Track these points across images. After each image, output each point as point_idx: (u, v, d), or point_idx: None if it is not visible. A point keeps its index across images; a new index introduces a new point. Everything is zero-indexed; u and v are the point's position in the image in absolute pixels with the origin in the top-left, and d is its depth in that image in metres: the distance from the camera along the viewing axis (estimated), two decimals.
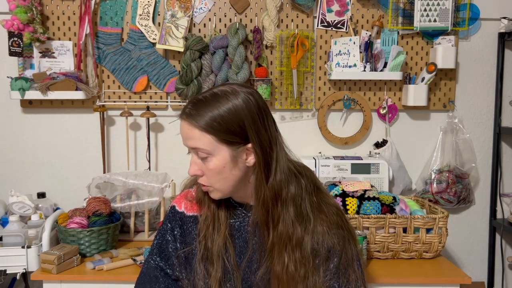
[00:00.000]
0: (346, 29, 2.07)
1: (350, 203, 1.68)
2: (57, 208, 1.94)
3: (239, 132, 0.99)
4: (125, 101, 2.07)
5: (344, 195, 1.70)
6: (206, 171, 1.02)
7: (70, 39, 2.04)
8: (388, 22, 2.05)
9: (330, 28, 2.07)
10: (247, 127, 0.99)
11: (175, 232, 1.14)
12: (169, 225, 1.16)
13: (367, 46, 2.01)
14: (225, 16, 2.05)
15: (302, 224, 1.05)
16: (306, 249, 1.04)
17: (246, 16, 2.05)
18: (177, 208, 1.16)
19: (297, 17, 2.06)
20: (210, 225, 1.09)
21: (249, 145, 1.00)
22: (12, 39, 1.91)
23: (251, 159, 1.02)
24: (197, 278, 1.09)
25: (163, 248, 1.15)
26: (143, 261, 1.61)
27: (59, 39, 2.04)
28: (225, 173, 1.01)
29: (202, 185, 1.06)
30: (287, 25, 2.06)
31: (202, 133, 0.98)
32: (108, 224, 1.74)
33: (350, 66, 2.02)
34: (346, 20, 2.06)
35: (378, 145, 2.12)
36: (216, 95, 1.00)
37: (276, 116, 2.12)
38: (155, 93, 2.08)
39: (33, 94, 1.94)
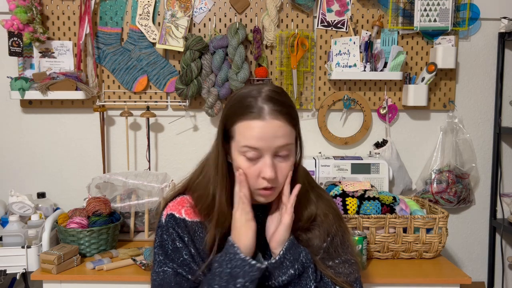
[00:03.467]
0: (346, 29, 2.07)
1: (350, 203, 1.68)
2: (57, 208, 1.94)
3: (297, 122, 1.04)
4: (125, 101, 2.07)
5: (344, 195, 1.70)
6: (282, 170, 1.02)
7: (70, 39, 2.04)
8: (388, 22, 2.05)
9: (330, 28, 2.07)
10: (296, 119, 1.04)
11: (186, 239, 1.07)
12: (175, 232, 1.07)
13: (367, 46, 2.01)
14: (225, 16, 2.05)
15: (322, 216, 1.14)
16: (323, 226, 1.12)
17: (246, 16, 2.05)
18: (176, 215, 1.09)
19: (297, 17, 2.06)
20: (220, 230, 1.08)
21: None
22: (12, 39, 1.91)
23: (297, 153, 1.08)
24: None
25: (176, 256, 1.07)
26: (143, 261, 1.61)
27: (59, 39, 2.04)
28: (288, 170, 1.03)
29: (264, 189, 1.02)
30: (287, 25, 2.06)
31: (291, 128, 1.00)
32: (108, 224, 1.74)
33: (350, 66, 2.02)
34: (346, 20, 2.06)
35: (378, 145, 2.12)
36: (280, 90, 1.03)
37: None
38: (155, 93, 2.07)
39: (33, 94, 1.94)
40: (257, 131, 0.97)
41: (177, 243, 1.07)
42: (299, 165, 1.09)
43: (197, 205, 1.09)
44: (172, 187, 1.98)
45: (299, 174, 1.09)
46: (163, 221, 1.10)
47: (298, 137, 1.05)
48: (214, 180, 1.05)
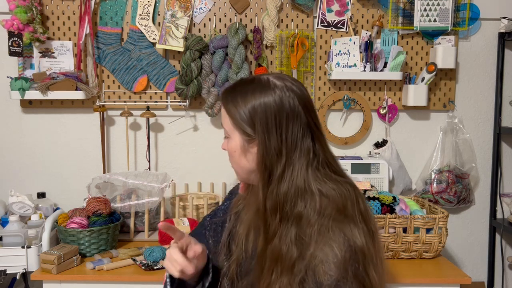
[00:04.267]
0: (346, 29, 2.07)
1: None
2: (57, 208, 1.94)
3: (250, 125, 0.95)
4: (125, 101, 2.07)
5: None
6: (227, 149, 1.03)
7: (70, 39, 2.04)
8: (388, 22, 2.05)
9: (330, 28, 2.07)
10: (256, 123, 0.94)
11: (229, 206, 1.17)
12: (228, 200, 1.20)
13: (367, 46, 2.01)
14: (225, 16, 2.05)
15: (299, 248, 0.89)
16: (295, 277, 0.87)
17: (246, 16, 2.05)
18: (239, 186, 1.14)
19: (297, 17, 2.06)
20: (240, 206, 1.11)
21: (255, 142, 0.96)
22: (12, 39, 1.91)
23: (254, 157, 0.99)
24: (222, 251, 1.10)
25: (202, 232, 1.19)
26: (143, 261, 1.62)
27: (59, 39, 2.04)
28: (236, 158, 1.00)
29: None
30: (287, 25, 2.06)
31: (225, 114, 0.99)
32: (108, 224, 1.74)
33: (350, 66, 2.02)
34: (346, 20, 2.06)
35: (378, 145, 2.12)
36: (253, 80, 0.99)
37: None
38: (155, 93, 2.07)
39: (33, 94, 1.94)
40: None
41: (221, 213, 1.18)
42: (272, 190, 0.93)
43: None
44: (172, 187, 1.98)
45: (260, 200, 0.95)
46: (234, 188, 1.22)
47: (243, 136, 0.97)
48: None
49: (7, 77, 1.98)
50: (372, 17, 2.07)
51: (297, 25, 2.06)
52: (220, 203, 1.93)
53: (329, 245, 0.87)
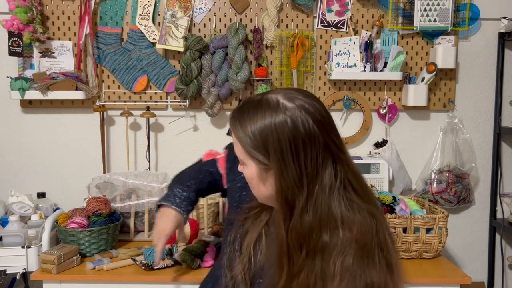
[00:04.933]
0: (346, 29, 2.07)
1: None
2: (57, 208, 1.94)
3: (264, 153, 0.87)
4: (125, 101, 2.07)
5: None
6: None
7: (70, 39, 2.04)
8: (388, 22, 2.05)
9: (330, 28, 2.07)
10: (270, 152, 0.86)
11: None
12: None
13: (367, 46, 2.01)
14: (225, 16, 2.05)
15: (325, 281, 0.84)
16: None
17: (246, 16, 2.05)
18: None
19: (297, 17, 2.06)
20: (249, 221, 1.06)
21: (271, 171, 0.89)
22: (12, 39, 1.91)
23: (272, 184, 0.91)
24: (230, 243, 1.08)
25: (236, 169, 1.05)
26: (143, 261, 1.61)
27: (59, 39, 2.04)
28: (254, 185, 0.94)
29: None
30: (287, 25, 2.06)
31: (237, 141, 0.92)
32: (108, 224, 1.74)
33: (350, 66, 2.02)
34: (346, 20, 2.06)
35: (378, 145, 2.12)
36: (261, 102, 0.89)
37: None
38: (155, 93, 2.08)
39: (33, 94, 1.94)
40: None
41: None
42: (294, 223, 0.87)
43: None
44: None
45: (283, 235, 0.88)
46: None
47: (259, 165, 0.89)
48: None
49: (7, 77, 1.98)
50: (372, 17, 2.07)
51: (297, 25, 2.06)
52: (220, 203, 1.93)
53: (351, 282, 0.83)
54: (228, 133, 2.10)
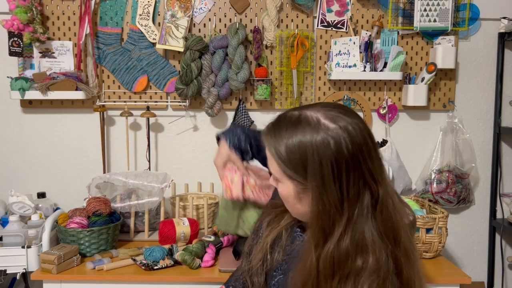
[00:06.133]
0: (346, 29, 2.07)
1: None
2: (57, 208, 1.94)
3: (303, 173, 0.83)
4: (125, 101, 2.07)
5: None
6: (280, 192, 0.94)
7: (70, 39, 2.04)
8: (388, 22, 2.05)
9: (330, 28, 2.07)
10: (309, 173, 0.82)
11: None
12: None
13: (367, 46, 2.01)
14: (225, 16, 2.05)
15: None
16: None
17: (246, 16, 2.05)
18: None
19: (297, 17, 2.06)
20: (272, 214, 1.04)
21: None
22: (12, 39, 1.91)
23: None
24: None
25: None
26: (143, 261, 1.62)
27: (59, 39, 2.04)
28: (290, 203, 0.92)
29: None
30: (287, 25, 2.06)
31: (272, 158, 0.88)
32: (108, 224, 1.74)
33: (350, 66, 2.02)
34: (346, 20, 2.06)
35: (378, 145, 2.12)
36: (299, 120, 0.85)
37: (276, 116, 2.11)
38: (155, 93, 2.08)
39: (33, 94, 1.94)
40: None
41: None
42: (329, 249, 0.83)
43: None
44: (172, 187, 1.98)
45: (313, 261, 0.84)
46: None
47: (296, 183, 0.87)
48: None
49: (7, 77, 1.98)
50: (372, 17, 2.07)
51: (297, 25, 2.06)
52: (219, 203, 1.92)
53: None
54: None
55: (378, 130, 2.14)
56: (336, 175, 0.80)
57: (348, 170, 0.81)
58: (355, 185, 0.81)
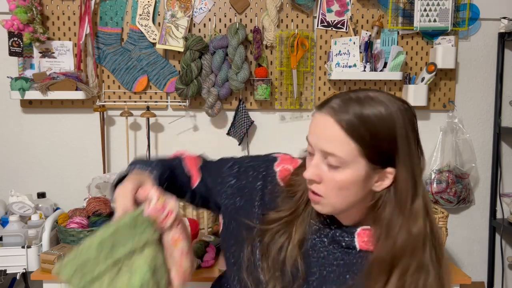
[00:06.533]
0: (346, 29, 2.07)
1: None
2: (57, 208, 1.94)
3: (386, 148, 0.81)
4: (125, 101, 2.07)
5: None
6: (328, 180, 0.83)
7: (70, 39, 2.04)
8: (388, 22, 2.05)
9: (330, 28, 2.07)
10: (399, 144, 0.81)
11: (258, 184, 0.97)
12: (260, 169, 0.99)
13: (367, 46, 2.01)
14: (225, 16, 2.05)
15: None
16: None
17: (246, 16, 2.05)
18: (275, 164, 1.00)
19: (297, 17, 2.06)
20: (282, 224, 0.93)
21: (389, 169, 0.82)
22: (12, 39, 1.91)
23: (384, 183, 0.84)
24: (243, 262, 0.93)
25: (220, 170, 0.99)
26: None
27: (59, 39, 2.04)
28: (349, 191, 0.83)
29: (312, 193, 0.87)
30: (287, 25, 2.06)
31: (347, 138, 0.80)
32: None
33: (350, 66, 2.02)
34: (346, 20, 2.06)
35: None
36: (370, 98, 0.82)
37: (276, 116, 2.12)
38: (155, 93, 2.08)
39: (33, 94, 1.94)
40: (312, 122, 0.85)
41: (252, 173, 1.00)
42: (392, 214, 0.83)
43: (291, 179, 0.97)
44: None
45: (387, 223, 0.84)
46: (269, 156, 1.03)
47: (384, 163, 0.82)
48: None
49: (7, 77, 1.98)
50: (372, 17, 2.07)
51: (297, 25, 2.06)
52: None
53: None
54: (228, 133, 2.10)
55: None
56: (416, 144, 0.84)
57: (419, 140, 0.85)
58: (419, 160, 0.85)
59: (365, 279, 0.85)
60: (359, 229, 0.90)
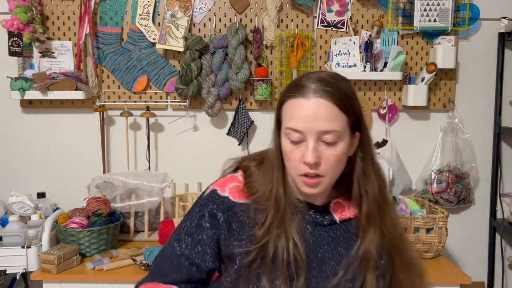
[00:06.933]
0: (346, 29, 2.07)
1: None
2: (57, 208, 1.94)
3: (357, 115, 0.93)
4: (125, 101, 2.07)
5: None
6: (327, 158, 0.90)
7: (70, 39, 2.04)
8: (388, 22, 2.05)
9: (330, 28, 2.07)
10: (360, 109, 0.95)
11: (218, 217, 0.98)
12: (207, 209, 0.99)
13: (367, 46, 2.01)
14: (225, 16, 2.05)
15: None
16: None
17: (246, 16, 2.05)
18: (219, 192, 1.00)
19: (297, 17, 2.06)
20: (276, 227, 0.94)
21: (357, 133, 0.95)
22: (12, 39, 1.91)
23: (354, 147, 0.96)
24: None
25: (194, 234, 0.99)
26: (143, 261, 1.61)
27: (59, 39, 2.04)
28: (342, 162, 0.94)
29: (312, 177, 0.92)
30: (287, 25, 2.06)
31: (340, 112, 0.89)
32: (108, 224, 1.74)
33: (350, 66, 2.02)
34: (346, 20, 2.06)
35: (378, 145, 2.12)
36: (337, 76, 0.94)
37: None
38: (155, 93, 2.07)
39: (33, 94, 1.94)
40: (299, 109, 0.90)
41: (204, 222, 0.99)
42: (365, 165, 0.97)
43: (250, 189, 0.99)
44: (172, 187, 1.98)
45: (362, 174, 0.96)
46: (204, 194, 1.03)
47: (355, 128, 0.94)
48: (272, 167, 0.98)
49: (7, 77, 1.98)
50: (372, 17, 2.07)
51: (297, 25, 2.06)
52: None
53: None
54: (228, 133, 2.10)
55: (378, 130, 2.14)
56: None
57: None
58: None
59: (361, 238, 0.96)
60: (331, 205, 1.01)
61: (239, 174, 1.03)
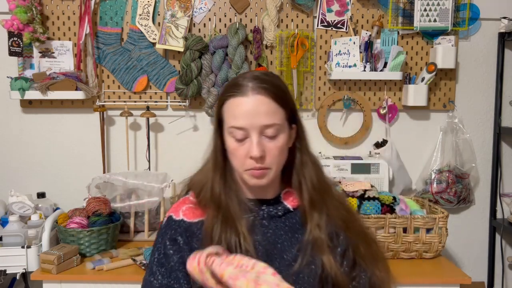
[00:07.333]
0: (346, 29, 2.07)
1: (350, 203, 1.68)
2: (57, 208, 1.94)
3: (292, 108, 1.00)
4: (125, 101, 2.07)
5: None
6: (271, 150, 0.96)
7: (70, 39, 2.04)
8: (388, 22, 2.05)
9: (330, 28, 2.07)
10: (295, 104, 1.03)
11: (179, 241, 1.01)
12: (167, 237, 1.02)
13: (367, 46, 2.01)
14: (225, 16, 2.05)
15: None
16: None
17: (246, 16, 2.05)
18: (174, 217, 1.04)
19: (297, 17, 2.06)
20: (220, 225, 0.98)
21: (293, 126, 1.01)
22: (12, 39, 1.91)
23: (292, 138, 1.02)
24: None
25: (164, 263, 1.01)
26: (143, 261, 1.61)
27: (59, 39, 2.04)
28: (283, 153, 1.00)
29: (258, 170, 0.96)
30: (287, 25, 2.06)
31: (277, 107, 0.96)
32: (108, 224, 1.74)
33: (350, 66, 2.02)
34: (346, 20, 2.06)
35: (378, 145, 2.12)
36: (270, 73, 1.02)
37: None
38: (155, 93, 2.07)
39: (33, 94, 1.94)
40: (240, 108, 0.95)
41: (168, 250, 1.01)
42: (302, 155, 1.03)
43: (199, 200, 1.04)
44: (173, 187, 1.99)
45: (300, 163, 1.03)
46: (162, 224, 1.06)
47: (291, 121, 1.00)
48: (211, 168, 1.04)
49: (7, 77, 1.98)
50: (372, 17, 2.07)
51: (297, 25, 2.06)
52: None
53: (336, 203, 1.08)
54: None
55: (378, 130, 2.14)
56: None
57: None
58: None
59: (309, 223, 1.01)
60: (282, 195, 1.06)
61: (190, 195, 1.08)
